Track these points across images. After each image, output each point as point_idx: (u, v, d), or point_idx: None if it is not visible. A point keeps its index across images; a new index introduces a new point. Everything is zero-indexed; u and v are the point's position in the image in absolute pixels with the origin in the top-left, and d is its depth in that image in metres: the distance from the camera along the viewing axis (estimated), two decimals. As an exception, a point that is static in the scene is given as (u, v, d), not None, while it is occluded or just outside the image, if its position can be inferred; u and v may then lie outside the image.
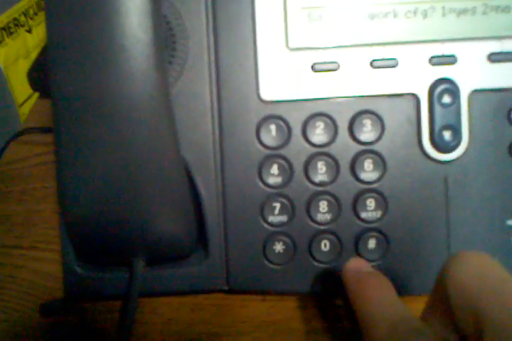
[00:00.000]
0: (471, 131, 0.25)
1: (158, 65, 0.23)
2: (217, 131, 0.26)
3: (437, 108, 0.25)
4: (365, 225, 0.25)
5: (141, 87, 0.23)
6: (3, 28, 0.50)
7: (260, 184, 0.26)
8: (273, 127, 0.26)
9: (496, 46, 0.25)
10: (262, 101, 0.26)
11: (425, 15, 0.26)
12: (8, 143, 0.34)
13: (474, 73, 0.25)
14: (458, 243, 0.25)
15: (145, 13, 0.23)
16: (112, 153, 0.23)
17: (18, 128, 0.48)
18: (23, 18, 0.52)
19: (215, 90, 0.26)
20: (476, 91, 0.25)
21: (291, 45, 0.26)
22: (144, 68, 0.23)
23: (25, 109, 0.51)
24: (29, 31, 0.53)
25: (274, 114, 0.26)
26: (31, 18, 0.53)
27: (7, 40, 0.50)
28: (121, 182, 0.23)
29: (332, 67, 0.26)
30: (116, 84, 0.23)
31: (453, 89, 0.25)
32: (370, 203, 0.25)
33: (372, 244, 0.25)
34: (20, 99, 0.51)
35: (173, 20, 0.26)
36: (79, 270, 0.26)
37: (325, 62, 0.26)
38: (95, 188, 0.23)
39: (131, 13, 0.23)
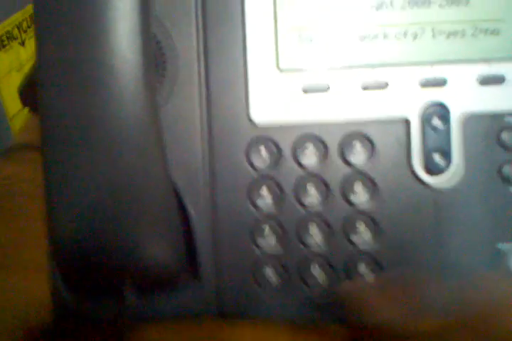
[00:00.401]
0: (461, 155, 0.25)
1: (147, 86, 0.23)
2: (207, 153, 0.26)
3: (428, 131, 0.25)
4: (356, 249, 0.25)
5: (129, 108, 0.23)
6: (-4, 41, 0.50)
7: (250, 206, 0.26)
8: (263, 149, 0.26)
9: (484, 69, 0.25)
10: (252, 122, 0.26)
11: (415, 37, 0.26)
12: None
13: (465, 96, 0.25)
14: (449, 267, 0.25)
15: (134, 34, 0.23)
16: (98, 174, 0.23)
17: (9, 141, 0.47)
18: (16, 31, 0.52)
19: (205, 111, 0.26)
20: (466, 115, 0.25)
21: (281, 67, 0.26)
22: (133, 89, 0.23)
23: (17, 122, 0.51)
24: (22, 44, 0.53)
25: (264, 136, 0.26)
26: (24, 31, 0.53)
27: (0, 53, 0.50)
28: (107, 205, 0.23)
29: (322, 89, 0.26)
30: (104, 105, 0.23)
31: (443, 113, 0.25)
32: (361, 226, 0.25)
33: (363, 268, 0.25)
34: (11, 112, 0.50)
35: (163, 40, 0.26)
36: (68, 297, 0.26)
37: (315, 84, 0.26)
38: (81, 213, 0.23)
39: (121, 33, 0.23)
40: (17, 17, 0.52)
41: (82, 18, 0.22)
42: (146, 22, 0.23)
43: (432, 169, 0.25)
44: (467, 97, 0.25)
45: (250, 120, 0.26)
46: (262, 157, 0.26)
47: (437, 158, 0.26)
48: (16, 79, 0.51)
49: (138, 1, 0.22)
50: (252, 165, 0.26)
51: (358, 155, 0.25)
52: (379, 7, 0.26)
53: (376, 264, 0.25)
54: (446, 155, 0.25)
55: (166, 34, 0.26)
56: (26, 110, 0.50)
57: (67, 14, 0.22)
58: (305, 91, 0.26)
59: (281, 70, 0.26)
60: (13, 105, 0.50)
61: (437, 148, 0.25)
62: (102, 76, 0.23)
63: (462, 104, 0.25)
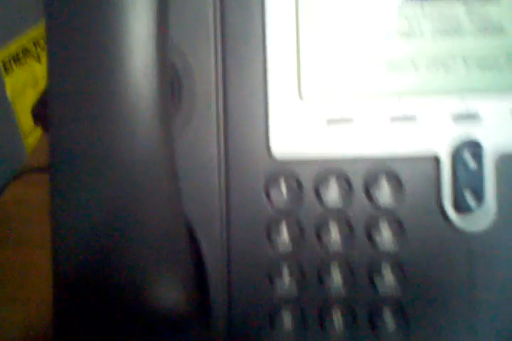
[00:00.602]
0: (497, 198, 0.24)
1: (160, 119, 0.22)
2: (223, 186, 0.24)
3: (459, 169, 0.24)
4: (380, 295, 0.24)
5: (142, 141, 0.22)
6: (12, 57, 0.49)
7: (267, 245, 0.24)
8: (282, 184, 0.24)
9: None
10: (271, 155, 0.24)
11: (446, 67, 0.25)
12: (5, 184, 0.33)
13: (500, 133, 0.24)
14: (483, 324, 0.23)
15: (150, 65, 0.22)
16: (107, 207, 0.22)
17: (23, 159, 0.47)
18: (32, 48, 0.52)
19: (222, 142, 0.25)
20: (501, 153, 0.24)
21: (304, 96, 0.24)
22: (146, 122, 0.22)
23: (31, 140, 0.50)
24: (38, 60, 0.53)
25: (284, 170, 0.24)
26: (40, 47, 0.53)
27: (15, 68, 0.49)
28: (115, 240, 0.22)
29: (347, 121, 0.24)
30: (116, 138, 0.22)
31: (477, 151, 0.24)
32: (385, 270, 0.24)
33: (387, 316, 0.23)
34: (26, 130, 0.50)
35: (181, 69, 0.25)
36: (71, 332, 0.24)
37: (340, 115, 0.24)
38: (87, 247, 0.22)
39: (136, 65, 0.22)
40: (34, 34, 0.52)
41: (96, 48, 0.21)
42: (163, 53, 0.22)
43: (462, 208, 0.24)
44: (503, 134, 0.24)
45: (270, 152, 0.24)
46: (282, 192, 0.24)
47: (468, 196, 0.24)
48: (31, 96, 0.51)
49: (154, 31, 0.21)
50: (270, 200, 0.24)
51: (384, 193, 0.24)
52: (408, 35, 0.25)
53: (401, 312, 0.24)
54: (478, 194, 0.24)
55: (185, 62, 0.25)
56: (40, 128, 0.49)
57: (80, 43, 0.21)
58: (329, 122, 0.24)
59: (303, 100, 0.24)
60: (28, 122, 0.49)
61: (469, 187, 0.24)
62: (114, 108, 0.22)
63: (497, 142, 0.24)
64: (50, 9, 0.22)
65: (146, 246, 0.22)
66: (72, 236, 0.22)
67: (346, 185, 0.24)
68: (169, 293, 0.23)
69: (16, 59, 0.49)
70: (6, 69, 0.48)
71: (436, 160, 0.24)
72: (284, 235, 0.24)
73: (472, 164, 0.24)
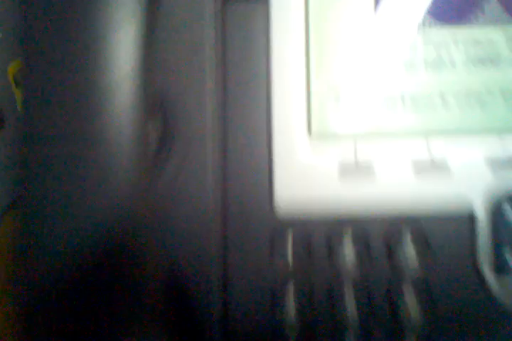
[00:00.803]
0: None
1: (139, 166, 0.19)
2: (220, 245, 0.21)
3: (501, 228, 0.20)
4: None
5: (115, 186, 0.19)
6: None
7: (271, 316, 0.21)
8: (289, 246, 0.21)
9: None
10: (276, 212, 0.21)
11: (483, 103, 0.21)
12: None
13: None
14: None
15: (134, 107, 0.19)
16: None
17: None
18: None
19: (219, 195, 0.21)
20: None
21: (314, 137, 0.21)
22: (122, 171, 0.19)
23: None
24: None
25: (291, 229, 0.21)
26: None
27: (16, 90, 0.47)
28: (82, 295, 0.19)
29: (365, 169, 0.21)
30: (90, 180, 0.19)
31: None
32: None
33: None
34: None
35: (172, 108, 0.22)
36: None
37: (355, 161, 0.21)
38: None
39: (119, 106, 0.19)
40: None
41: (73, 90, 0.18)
42: (146, 97, 0.19)
43: (503, 269, 0.20)
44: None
45: (274, 209, 0.21)
46: (288, 255, 0.21)
47: (508, 255, 0.20)
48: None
49: (138, 74, 0.18)
50: (275, 265, 0.21)
51: (409, 256, 0.20)
52: (436, 65, 0.21)
53: None
54: None
55: (179, 104, 0.21)
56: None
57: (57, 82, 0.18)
58: (342, 170, 0.21)
59: (312, 148, 0.21)
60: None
61: (509, 245, 0.20)
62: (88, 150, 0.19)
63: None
64: (28, 49, 0.19)
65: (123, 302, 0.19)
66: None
67: (363, 246, 0.20)
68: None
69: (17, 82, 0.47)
70: (16, 83, 0.46)
71: (471, 217, 0.20)
72: (291, 303, 0.21)
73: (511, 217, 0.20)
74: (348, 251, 0.20)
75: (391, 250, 0.20)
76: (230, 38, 0.21)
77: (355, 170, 0.21)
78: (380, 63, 0.21)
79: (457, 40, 0.21)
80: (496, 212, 0.20)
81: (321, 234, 0.20)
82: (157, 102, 0.22)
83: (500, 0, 0.21)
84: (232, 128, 0.21)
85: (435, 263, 0.20)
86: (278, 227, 0.21)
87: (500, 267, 0.20)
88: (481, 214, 0.20)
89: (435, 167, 0.20)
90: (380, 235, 0.20)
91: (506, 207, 0.20)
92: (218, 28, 0.21)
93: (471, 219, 0.20)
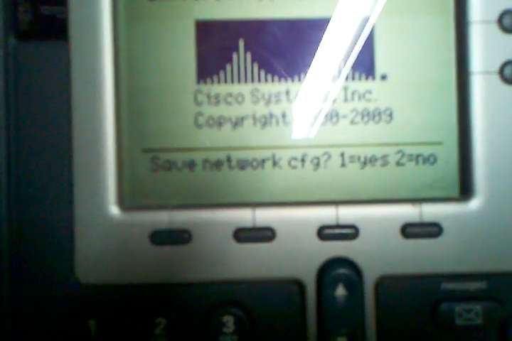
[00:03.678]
0: None
1: None
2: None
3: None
4: None
5: None
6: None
7: None
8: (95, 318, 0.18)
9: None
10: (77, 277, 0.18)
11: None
12: None
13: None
14: None
15: None
16: None
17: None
18: None
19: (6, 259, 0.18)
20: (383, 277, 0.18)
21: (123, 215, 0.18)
22: None
23: None
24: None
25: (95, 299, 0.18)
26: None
27: None
28: None
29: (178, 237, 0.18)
30: None
31: (352, 276, 0.18)
32: None
33: None
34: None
35: None
36: None
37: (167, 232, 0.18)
38: None
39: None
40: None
41: None
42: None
43: None
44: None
45: (75, 275, 0.18)
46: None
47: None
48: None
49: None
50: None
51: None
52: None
53: None
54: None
55: None
56: None
57: None
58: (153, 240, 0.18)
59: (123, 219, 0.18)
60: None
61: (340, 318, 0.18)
62: None
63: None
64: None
65: None
66: None
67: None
68: None
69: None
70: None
71: (300, 284, 0.18)
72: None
73: (342, 290, 0.18)
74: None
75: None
76: (23, 84, 0.18)
77: (168, 237, 0.18)
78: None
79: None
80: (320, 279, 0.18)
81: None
82: None
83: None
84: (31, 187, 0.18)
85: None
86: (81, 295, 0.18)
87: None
88: (310, 283, 0.18)
89: (258, 234, 0.18)
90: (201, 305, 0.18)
91: (335, 276, 0.18)
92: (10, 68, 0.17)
93: (299, 286, 0.18)
